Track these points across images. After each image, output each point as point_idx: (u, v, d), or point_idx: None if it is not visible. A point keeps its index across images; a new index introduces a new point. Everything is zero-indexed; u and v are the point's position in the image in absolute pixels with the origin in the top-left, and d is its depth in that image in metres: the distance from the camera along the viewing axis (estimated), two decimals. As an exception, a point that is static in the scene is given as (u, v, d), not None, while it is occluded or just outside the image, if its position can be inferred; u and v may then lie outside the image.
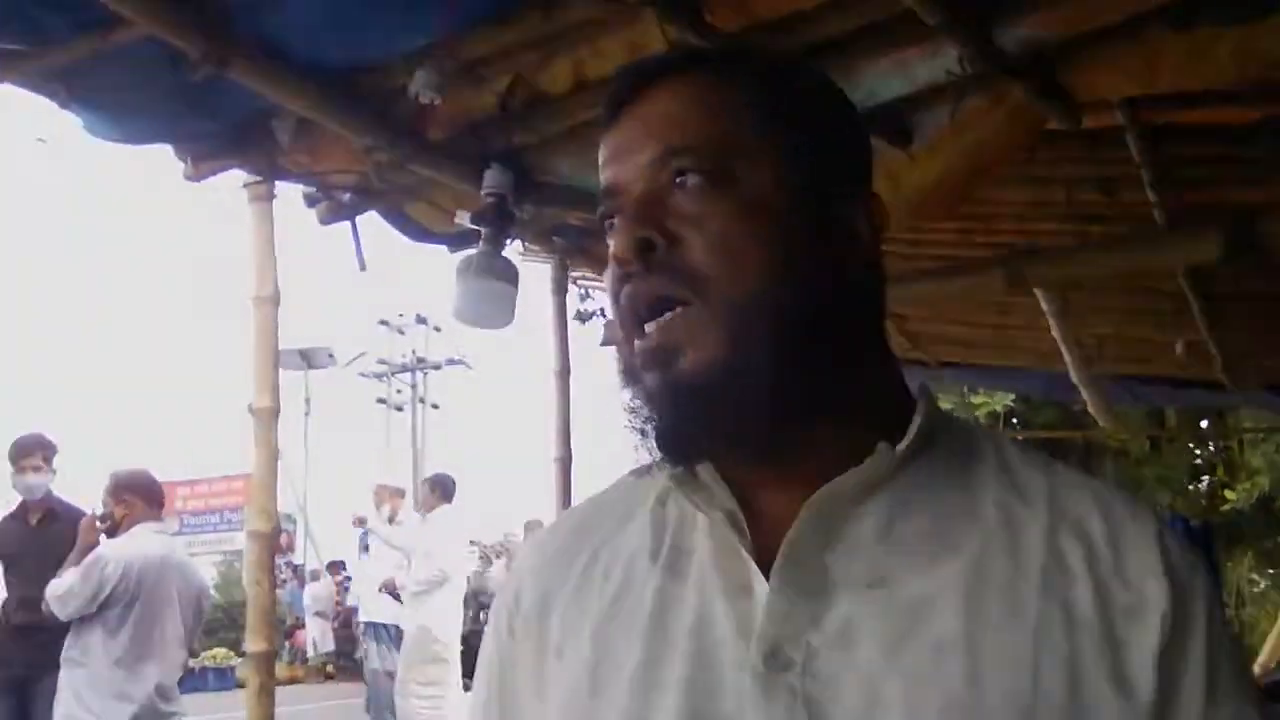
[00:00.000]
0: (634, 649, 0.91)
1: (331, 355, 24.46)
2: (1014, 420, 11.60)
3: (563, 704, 0.94)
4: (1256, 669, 8.62)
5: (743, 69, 0.98)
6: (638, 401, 0.92)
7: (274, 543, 4.32)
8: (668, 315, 0.88)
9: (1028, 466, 0.94)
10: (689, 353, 0.87)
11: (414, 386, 31.19)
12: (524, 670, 1.00)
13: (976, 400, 10.94)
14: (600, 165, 0.97)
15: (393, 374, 31.40)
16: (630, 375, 0.93)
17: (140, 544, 5.18)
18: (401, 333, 31.56)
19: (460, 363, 30.27)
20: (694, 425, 0.88)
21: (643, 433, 0.92)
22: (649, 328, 0.89)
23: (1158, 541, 0.88)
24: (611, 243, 0.93)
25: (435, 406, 31.49)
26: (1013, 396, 10.60)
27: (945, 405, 10.08)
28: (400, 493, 9.96)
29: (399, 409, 31.21)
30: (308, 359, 23.61)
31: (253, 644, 4.18)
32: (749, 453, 0.92)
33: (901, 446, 0.90)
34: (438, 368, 31.08)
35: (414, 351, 31.36)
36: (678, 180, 0.90)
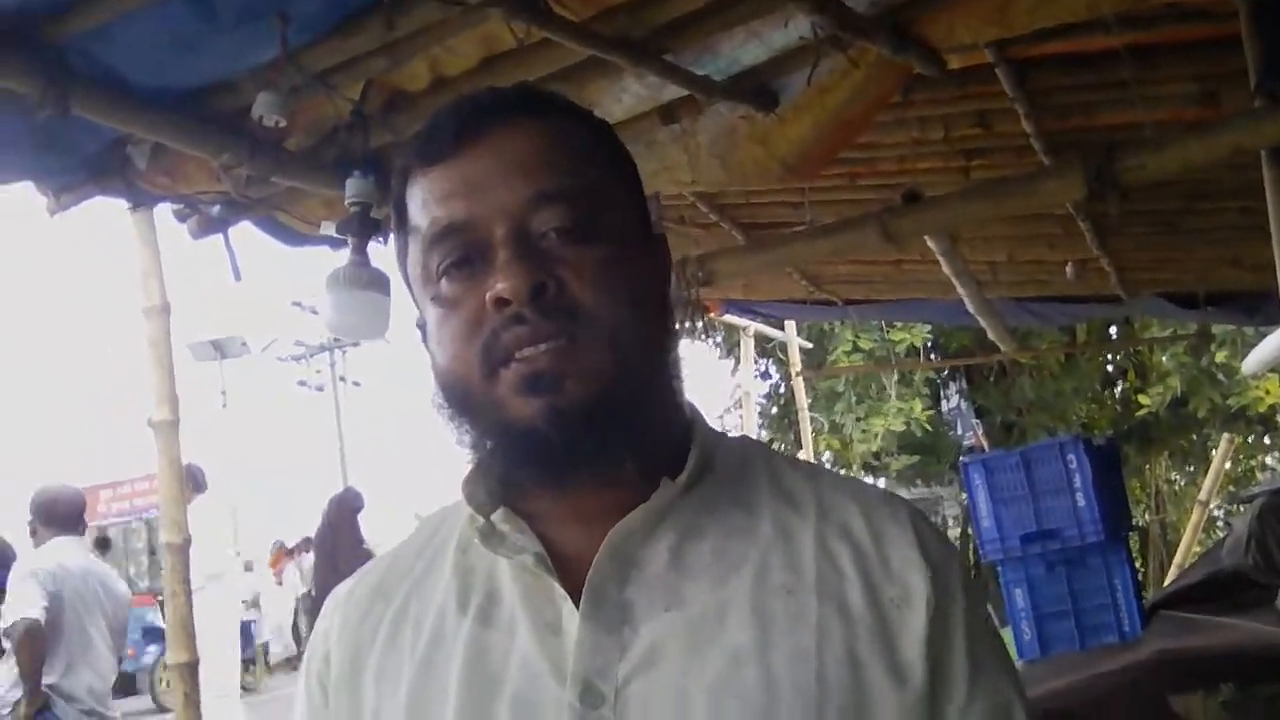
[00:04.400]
0: (451, 702, 0.93)
1: (244, 344, 24.10)
2: (931, 350, 11.78)
3: None
4: (1173, 571, 8.84)
5: (581, 117, 1.03)
6: (477, 436, 0.96)
7: (186, 552, 4.30)
8: (553, 345, 0.91)
9: (795, 476, 1.03)
10: (578, 379, 0.91)
11: (332, 366, 30.85)
12: None
13: (895, 336, 11.11)
14: (433, 198, 0.95)
15: (310, 355, 31.00)
16: (485, 408, 0.94)
17: (59, 557, 5.35)
18: (315, 312, 31.07)
19: (378, 339, 29.88)
20: (577, 446, 0.91)
21: (490, 464, 0.97)
22: (527, 354, 0.91)
23: (915, 534, 0.98)
24: (456, 282, 0.95)
25: (356, 384, 31.20)
26: (929, 327, 10.75)
27: (867, 344, 10.28)
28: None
29: (319, 389, 30.86)
30: (220, 350, 23.27)
31: (174, 655, 4.17)
32: (611, 474, 0.95)
33: (681, 478, 0.97)
34: (356, 345, 30.70)
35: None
36: (548, 229, 0.93)
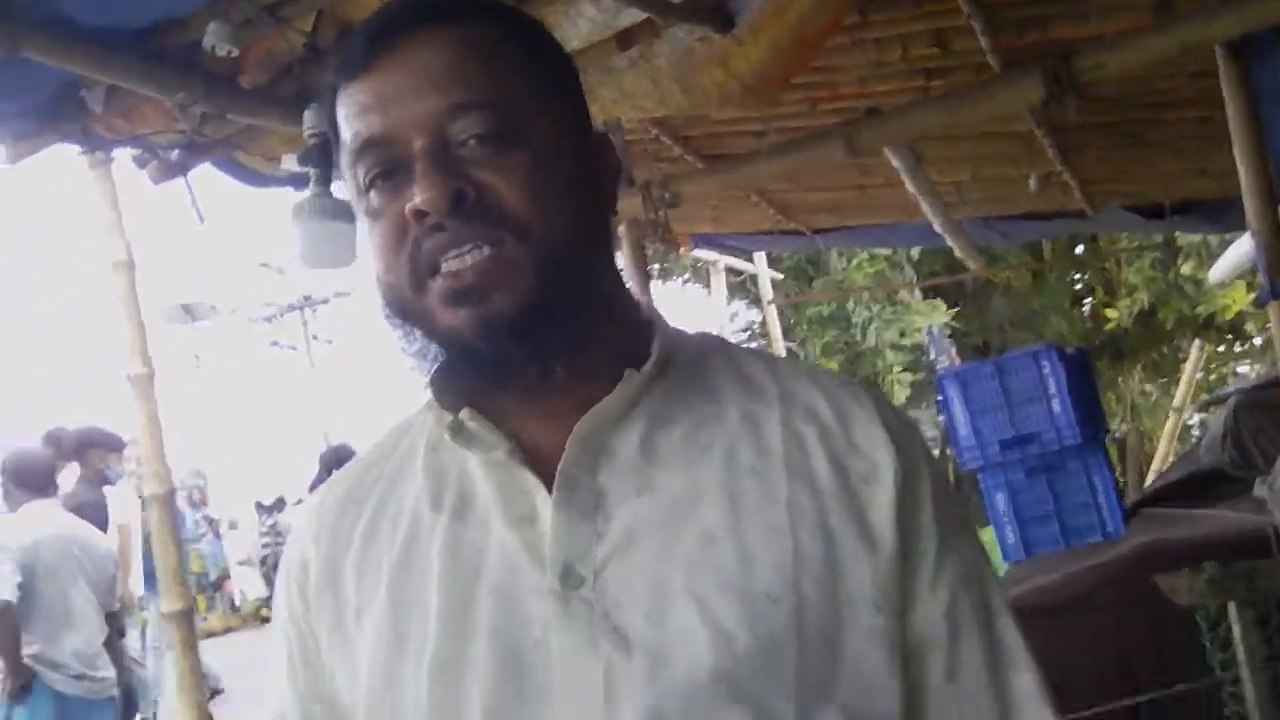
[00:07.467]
0: (434, 596, 0.95)
1: (214, 306, 24.00)
2: (908, 265, 11.76)
3: (370, 660, 0.96)
4: (1151, 476, 8.96)
5: (504, 20, 1.00)
6: (423, 342, 0.96)
7: (172, 503, 4.31)
8: (481, 253, 0.90)
9: (756, 366, 1.05)
10: (504, 289, 0.91)
11: (305, 324, 30.65)
12: (324, 636, 1.02)
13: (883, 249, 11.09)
14: (353, 113, 0.95)
15: (280, 315, 30.76)
16: (418, 317, 0.95)
17: (31, 527, 5.38)
18: (282, 272, 30.83)
19: (346, 294, 29.73)
20: (507, 356, 0.92)
21: (435, 370, 0.97)
22: (452, 266, 0.91)
23: (878, 413, 1.01)
24: (382, 194, 0.94)
25: (329, 341, 31.04)
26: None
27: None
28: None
29: (293, 348, 30.68)
30: (191, 313, 23.19)
31: (167, 604, 4.19)
32: (548, 381, 0.95)
33: (646, 368, 0.99)
34: (325, 302, 30.50)
35: (301, 291, 30.69)
36: (467, 137, 0.92)
